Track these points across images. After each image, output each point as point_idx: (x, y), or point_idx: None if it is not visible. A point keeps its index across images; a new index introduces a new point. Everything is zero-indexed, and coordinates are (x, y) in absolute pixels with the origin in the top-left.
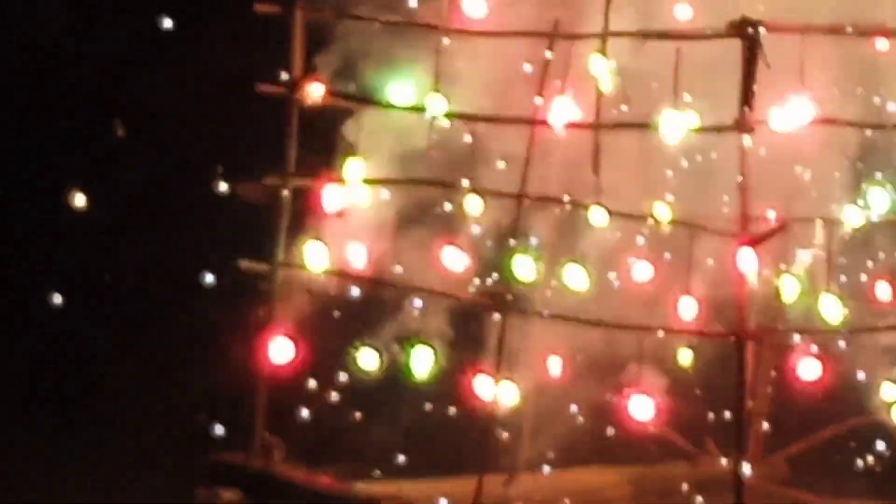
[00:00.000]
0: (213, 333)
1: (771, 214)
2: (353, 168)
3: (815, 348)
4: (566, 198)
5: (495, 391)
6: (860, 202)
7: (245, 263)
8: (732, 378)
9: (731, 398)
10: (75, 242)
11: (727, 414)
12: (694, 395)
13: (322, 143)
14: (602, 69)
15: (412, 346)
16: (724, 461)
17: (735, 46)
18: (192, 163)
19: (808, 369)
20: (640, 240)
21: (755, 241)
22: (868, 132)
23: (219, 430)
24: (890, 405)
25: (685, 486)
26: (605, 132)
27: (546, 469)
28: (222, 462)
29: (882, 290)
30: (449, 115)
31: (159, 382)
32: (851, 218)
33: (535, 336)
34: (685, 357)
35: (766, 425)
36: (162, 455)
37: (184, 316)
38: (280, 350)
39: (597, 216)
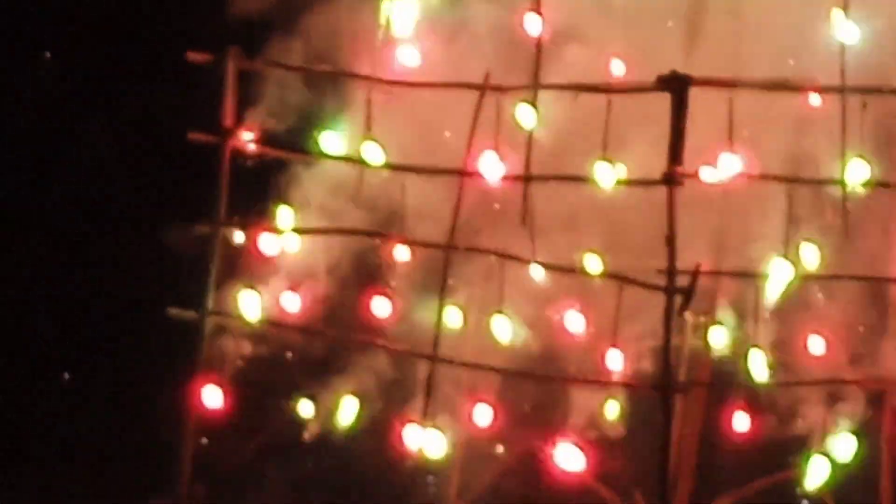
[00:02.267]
0: (143, 379)
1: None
2: (285, 216)
3: (745, 401)
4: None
5: (423, 439)
6: (790, 257)
7: (174, 311)
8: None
9: (657, 451)
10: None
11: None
12: (623, 447)
13: (254, 191)
14: (532, 121)
15: (341, 396)
16: None
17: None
18: (125, 209)
19: (738, 422)
20: (570, 291)
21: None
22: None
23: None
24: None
25: None
26: (536, 184)
27: None
28: None
29: (814, 344)
30: (380, 166)
31: (89, 426)
32: (780, 272)
33: (463, 385)
34: (612, 409)
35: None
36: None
37: (116, 361)
38: (208, 398)
39: (531, 269)
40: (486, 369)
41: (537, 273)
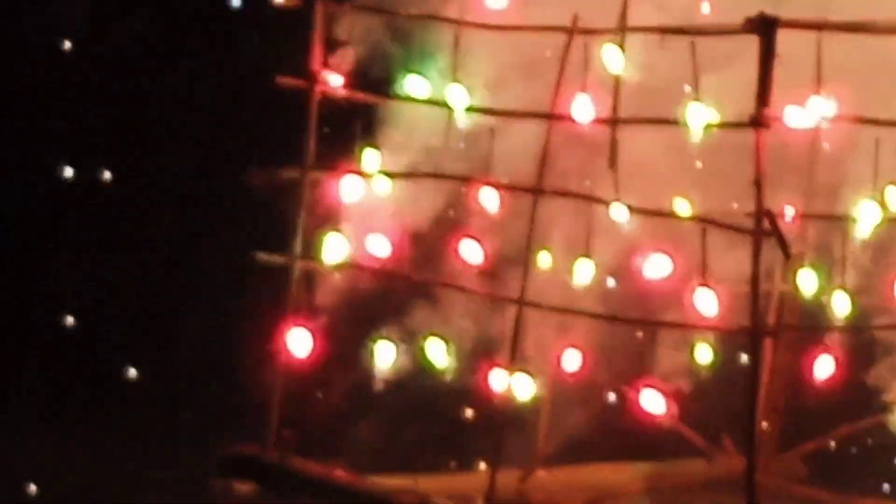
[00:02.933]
0: (231, 324)
1: (789, 211)
2: (372, 160)
3: (832, 345)
4: (583, 190)
5: (510, 384)
6: (878, 200)
7: (262, 256)
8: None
9: (745, 395)
10: (97, 229)
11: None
12: (711, 391)
13: (341, 135)
14: (619, 64)
15: (427, 339)
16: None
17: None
18: (211, 154)
19: (825, 366)
20: (657, 234)
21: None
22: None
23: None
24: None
25: (700, 483)
26: (623, 127)
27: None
28: (237, 454)
29: None
30: (468, 109)
31: (176, 373)
32: (868, 216)
33: (550, 330)
34: (702, 352)
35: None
36: (177, 446)
37: (204, 306)
38: (298, 343)
39: (615, 211)
40: (573, 313)
41: (621, 215)
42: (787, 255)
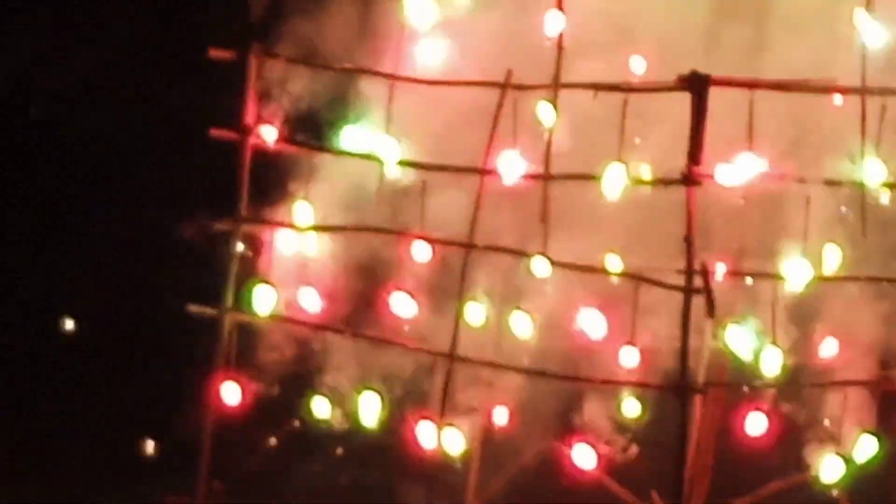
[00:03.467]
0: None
1: (720, 268)
2: (303, 213)
3: (762, 402)
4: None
5: (439, 438)
6: (809, 257)
7: (194, 307)
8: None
9: (674, 451)
10: (28, 283)
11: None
12: (641, 447)
13: (273, 188)
14: (552, 119)
15: (360, 392)
16: None
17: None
18: (146, 205)
19: (756, 423)
20: (589, 290)
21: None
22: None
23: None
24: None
25: None
26: (555, 183)
27: None
28: None
29: (830, 345)
30: (400, 163)
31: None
32: (799, 273)
33: (481, 384)
34: (631, 408)
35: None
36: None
37: (135, 357)
38: (228, 394)
39: (543, 267)
40: (504, 368)
41: (546, 271)
42: (710, 312)
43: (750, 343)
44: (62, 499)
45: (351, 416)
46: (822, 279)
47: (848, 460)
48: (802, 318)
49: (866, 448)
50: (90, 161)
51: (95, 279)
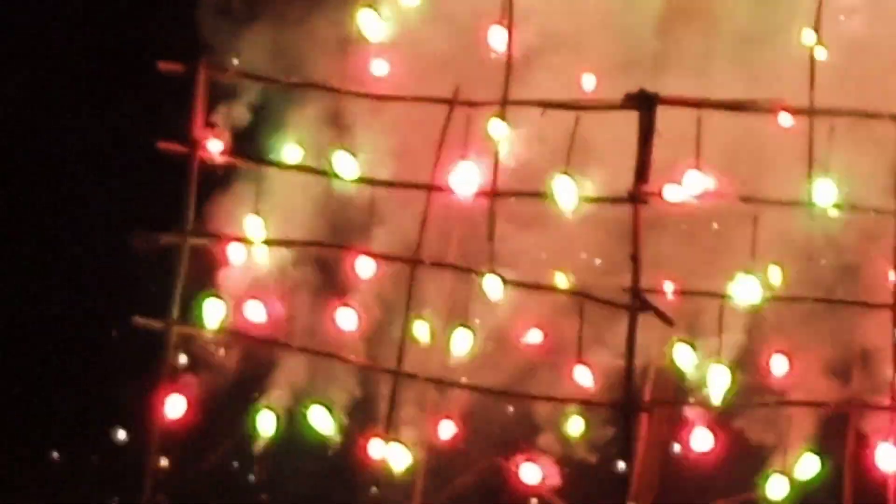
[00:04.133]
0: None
1: (668, 287)
2: (252, 227)
3: (707, 420)
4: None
5: (386, 453)
6: (756, 277)
7: (140, 320)
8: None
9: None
10: None
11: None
12: (586, 464)
13: (222, 201)
14: (501, 135)
15: (308, 406)
16: None
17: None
18: (94, 217)
19: (701, 441)
20: (536, 307)
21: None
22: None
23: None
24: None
25: None
26: (503, 199)
27: None
28: None
29: (777, 364)
30: (349, 178)
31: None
32: (745, 292)
33: (427, 399)
34: (575, 426)
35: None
36: None
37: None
38: (173, 407)
39: (490, 284)
40: (449, 385)
41: (495, 289)
42: (669, 323)
43: (696, 361)
44: None
45: (298, 430)
46: (768, 299)
47: (793, 479)
48: (750, 336)
49: (810, 467)
50: (39, 173)
51: (44, 290)
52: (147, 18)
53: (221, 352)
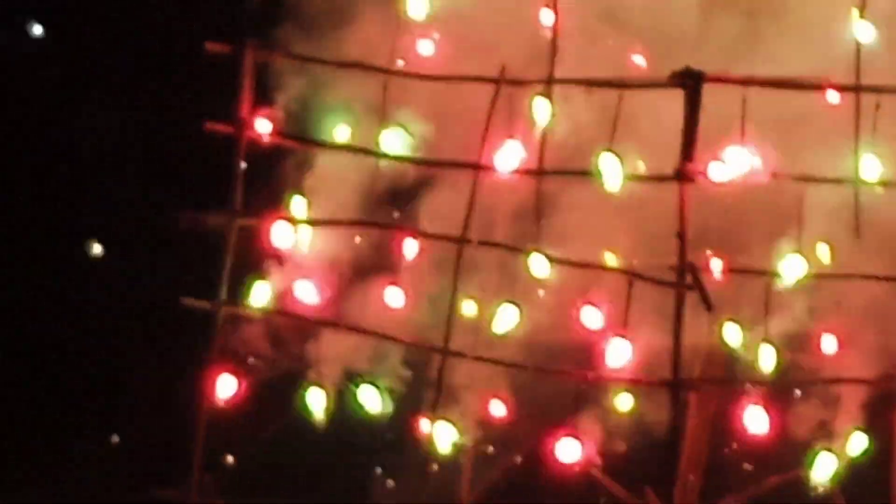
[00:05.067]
0: (157, 368)
1: (715, 265)
2: (299, 207)
3: (757, 398)
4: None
5: (433, 430)
6: (803, 254)
7: (188, 301)
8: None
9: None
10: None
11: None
12: (636, 443)
13: (269, 182)
14: (547, 115)
15: (358, 385)
16: None
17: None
18: (140, 198)
19: (750, 420)
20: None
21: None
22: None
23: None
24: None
25: None
26: (549, 178)
27: None
28: (159, 498)
29: (826, 342)
30: (395, 158)
31: (105, 418)
32: (793, 270)
33: (475, 377)
34: (625, 404)
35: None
36: (101, 489)
37: (130, 350)
38: (222, 387)
39: (537, 263)
40: (497, 363)
41: (541, 267)
42: (709, 307)
43: (745, 340)
44: (56, 494)
45: (347, 409)
46: (816, 276)
47: (841, 457)
48: (798, 315)
49: (858, 445)
50: (86, 155)
51: (92, 273)
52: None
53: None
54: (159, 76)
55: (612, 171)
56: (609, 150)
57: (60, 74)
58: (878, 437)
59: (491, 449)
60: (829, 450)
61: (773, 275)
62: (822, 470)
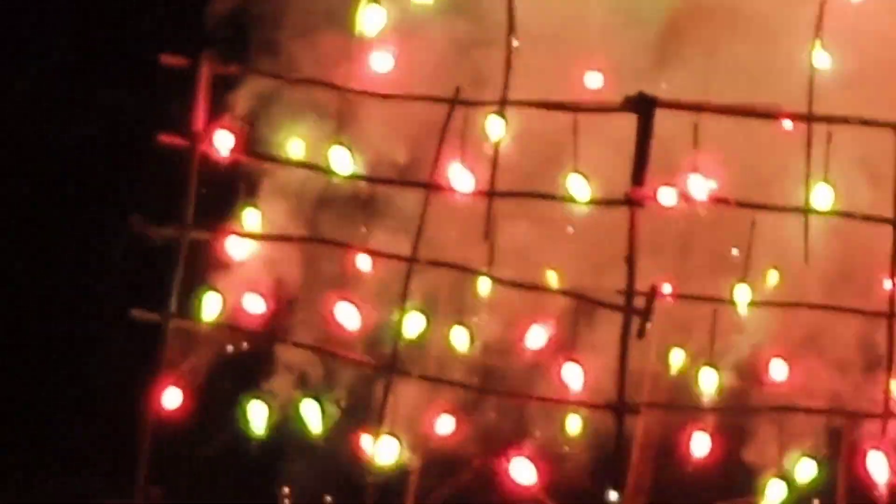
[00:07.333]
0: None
1: (665, 289)
2: (251, 221)
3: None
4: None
5: (377, 448)
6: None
7: (137, 312)
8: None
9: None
10: None
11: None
12: (582, 465)
13: (221, 195)
14: (499, 135)
15: (302, 400)
16: None
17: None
18: (93, 210)
19: (696, 445)
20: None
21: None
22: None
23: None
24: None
25: None
26: (501, 200)
27: None
28: None
29: (774, 369)
30: (348, 175)
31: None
32: (741, 297)
33: (420, 397)
34: (571, 425)
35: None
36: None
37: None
38: (168, 399)
39: (484, 284)
40: (443, 383)
41: (489, 288)
42: (640, 334)
43: (689, 365)
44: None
45: (291, 424)
46: (763, 304)
47: (790, 484)
48: (746, 340)
49: (807, 472)
50: (40, 166)
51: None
52: (152, 12)
53: (222, 346)
54: (115, 88)
55: (564, 194)
56: (562, 172)
57: (17, 84)
58: (826, 467)
59: (436, 469)
60: (780, 476)
61: (722, 301)
62: (773, 497)
